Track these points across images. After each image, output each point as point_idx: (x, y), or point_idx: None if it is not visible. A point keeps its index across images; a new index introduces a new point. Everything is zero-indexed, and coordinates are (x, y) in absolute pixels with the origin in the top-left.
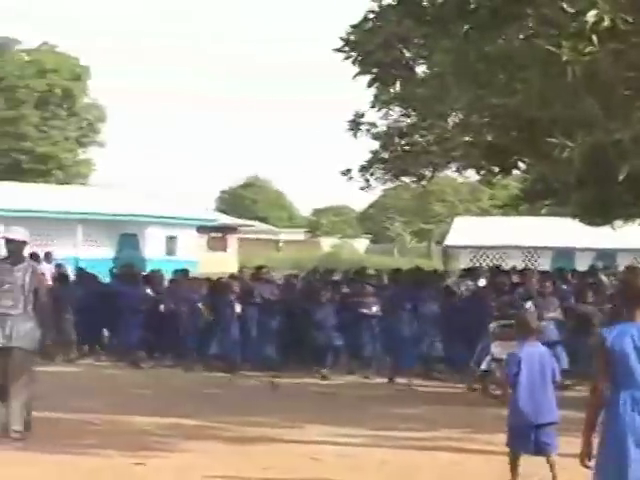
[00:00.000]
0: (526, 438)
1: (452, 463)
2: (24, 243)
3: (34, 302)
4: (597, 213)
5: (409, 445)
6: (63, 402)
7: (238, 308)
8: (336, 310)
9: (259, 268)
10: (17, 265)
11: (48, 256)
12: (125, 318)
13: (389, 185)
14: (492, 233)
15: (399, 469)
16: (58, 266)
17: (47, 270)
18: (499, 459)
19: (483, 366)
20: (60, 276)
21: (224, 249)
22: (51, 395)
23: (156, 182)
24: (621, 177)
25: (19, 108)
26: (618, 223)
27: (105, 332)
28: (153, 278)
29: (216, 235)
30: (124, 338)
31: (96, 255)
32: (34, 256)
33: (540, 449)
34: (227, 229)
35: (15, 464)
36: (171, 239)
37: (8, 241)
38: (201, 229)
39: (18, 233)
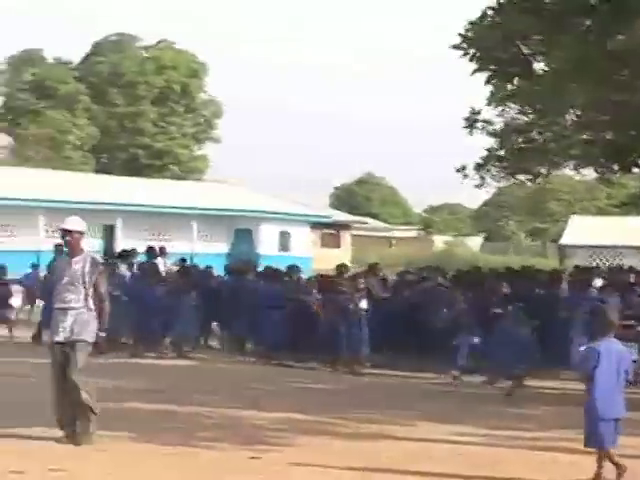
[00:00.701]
0: (611, 430)
1: (570, 463)
2: (81, 234)
3: (93, 294)
4: None
5: (524, 445)
6: (180, 396)
7: (364, 305)
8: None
9: (373, 265)
10: (75, 257)
11: (162, 250)
12: (266, 315)
13: (504, 183)
14: (609, 232)
15: (514, 468)
16: (182, 260)
17: (161, 264)
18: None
19: None
20: (183, 270)
21: (337, 246)
22: (169, 388)
23: (271, 178)
24: None
25: (138, 104)
26: None
27: (216, 326)
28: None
29: (329, 232)
30: (266, 336)
31: (211, 250)
32: (150, 250)
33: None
34: (340, 226)
35: (134, 454)
36: (284, 235)
37: (64, 232)
38: (315, 225)
39: (74, 223)
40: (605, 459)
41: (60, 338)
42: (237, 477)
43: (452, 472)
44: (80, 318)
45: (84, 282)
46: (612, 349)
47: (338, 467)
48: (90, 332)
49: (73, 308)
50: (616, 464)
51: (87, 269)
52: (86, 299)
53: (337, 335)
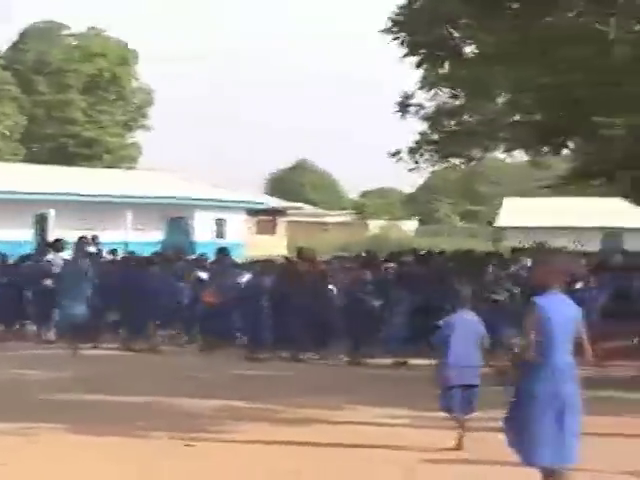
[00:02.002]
0: (458, 397)
1: (499, 442)
2: None
3: None
4: None
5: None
6: (117, 386)
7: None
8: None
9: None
10: None
11: (95, 239)
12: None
13: (438, 167)
14: (540, 214)
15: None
16: (112, 251)
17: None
18: None
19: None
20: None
21: (273, 232)
22: (105, 378)
23: (204, 166)
24: None
25: (66, 93)
26: None
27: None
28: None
29: (265, 218)
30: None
31: (145, 239)
32: (83, 239)
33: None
34: (275, 212)
35: (68, 446)
36: (220, 222)
37: None
38: (250, 212)
39: None
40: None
41: None
42: (173, 464)
43: (384, 454)
44: None
45: None
46: (466, 321)
47: (277, 454)
48: None
49: None
50: (462, 429)
51: None
52: None
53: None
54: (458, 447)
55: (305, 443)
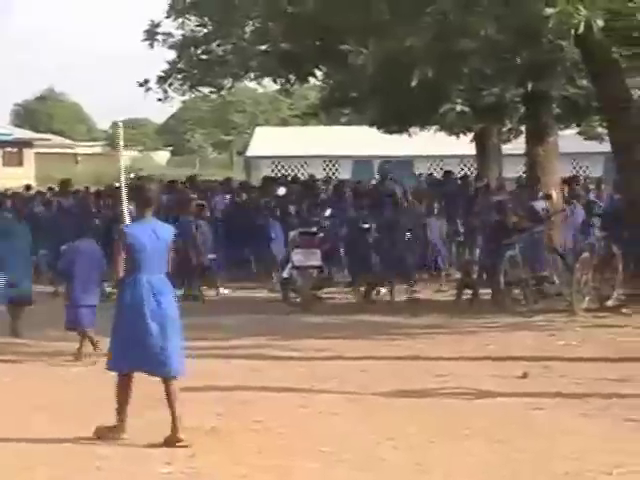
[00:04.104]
0: (89, 314)
1: (252, 370)
2: None
3: None
4: (393, 121)
5: (212, 354)
6: None
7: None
8: None
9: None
10: None
11: None
12: None
13: (188, 96)
14: (293, 143)
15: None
16: None
17: None
18: (298, 364)
19: (284, 274)
20: None
21: (20, 164)
22: None
23: None
24: (413, 84)
25: None
26: (414, 130)
27: None
28: None
29: (11, 150)
30: None
31: None
32: None
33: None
34: (22, 143)
35: None
36: None
37: None
38: None
39: None
40: (86, 338)
41: None
42: None
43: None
44: None
45: None
46: (87, 248)
47: None
48: None
49: None
50: (93, 342)
51: None
52: None
53: None
54: (77, 358)
55: None
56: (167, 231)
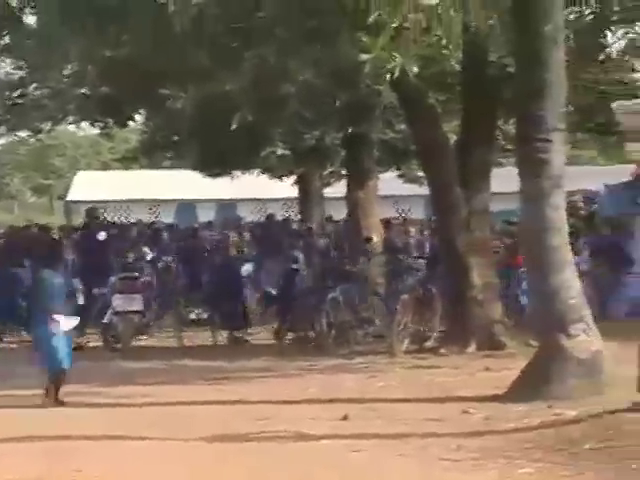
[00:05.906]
0: None
1: (73, 418)
2: None
3: None
4: (215, 164)
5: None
6: None
7: None
8: None
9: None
10: None
11: None
12: None
13: (4, 140)
14: (115, 187)
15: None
16: None
17: None
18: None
19: (105, 319)
20: None
21: None
22: None
23: None
24: (233, 127)
25: None
26: (236, 173)
27: None
28: None
29: None
30: None
31: None
32: None
33: None
34: None
35: None
36: None
37: None
38: None
39: None
40: None
41: None
42: None
43: None
44: None
45: None
46: None
47: None
48: None
49: None
50: None
51: None
52: None
53: None
54: None
55: None
56: None
